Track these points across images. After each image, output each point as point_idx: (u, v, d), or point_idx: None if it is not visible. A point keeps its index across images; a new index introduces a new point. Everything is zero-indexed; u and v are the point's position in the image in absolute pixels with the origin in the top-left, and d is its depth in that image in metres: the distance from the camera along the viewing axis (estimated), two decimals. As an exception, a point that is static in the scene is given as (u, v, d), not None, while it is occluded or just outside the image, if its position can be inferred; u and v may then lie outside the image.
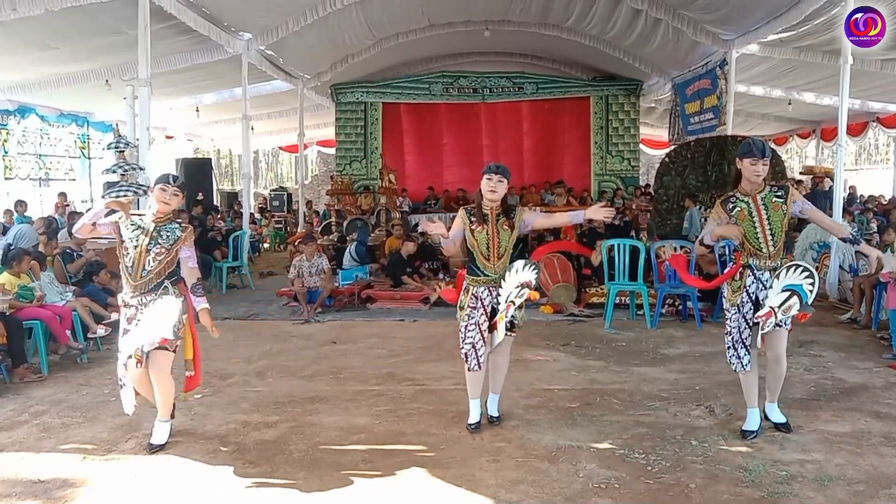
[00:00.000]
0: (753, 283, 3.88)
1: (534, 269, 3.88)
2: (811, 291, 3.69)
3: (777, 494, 3.28)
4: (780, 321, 3.73)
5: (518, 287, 3.84)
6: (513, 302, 3.86)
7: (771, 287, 3.79)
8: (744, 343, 3.91)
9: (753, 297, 3.88)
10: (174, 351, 3.84)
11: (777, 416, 4.09)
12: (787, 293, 3.68)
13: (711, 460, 3.68)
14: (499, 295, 3.93)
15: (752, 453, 3.75)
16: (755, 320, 3.79)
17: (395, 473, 3.60)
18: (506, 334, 4.02)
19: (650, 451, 3.80)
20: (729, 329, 3.96)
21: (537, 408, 4.55)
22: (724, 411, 4.40)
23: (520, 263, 3.90)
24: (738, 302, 3.90)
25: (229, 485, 3.49)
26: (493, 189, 4.01)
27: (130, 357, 3.74)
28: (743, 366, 3.92)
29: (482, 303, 4.01)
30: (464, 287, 4.12)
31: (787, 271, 3.73)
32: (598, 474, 3.52)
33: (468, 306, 4.03)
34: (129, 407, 3.94)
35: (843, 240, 4.15)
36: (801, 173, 15.83)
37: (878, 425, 4.17)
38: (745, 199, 3.89)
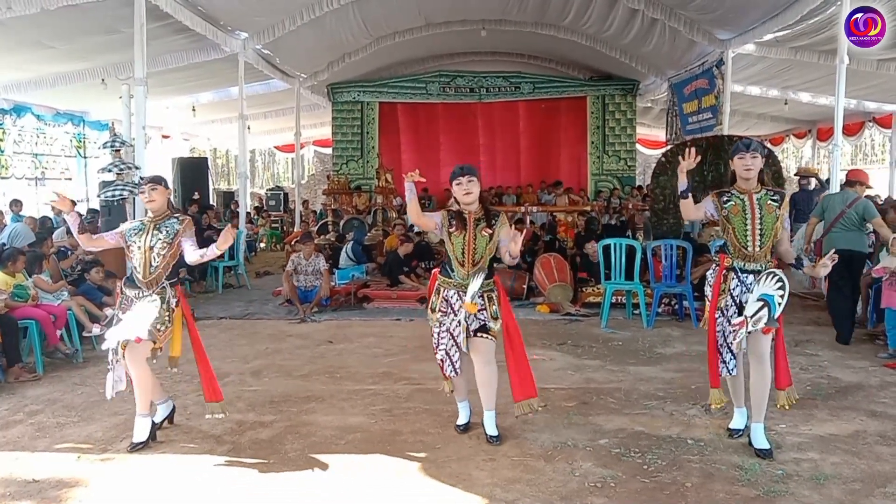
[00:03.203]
0: (738, 286, 3.81)
1: (484, 278, 3.85)
2: (780, 304, 3.61)
3: (773, 493, 3.28)
4: (750, 332, 3.67)
5: (471, 296, 3.79)
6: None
7: (752, 292, 3.72)
8: (729, 347, 3.83)
9: (737, 301, 3.79)
10: (153, 341, 3.85)
11: (760, 441, 3.74)
12: (761, 303, 3.62)
13: (707, 459, 3.68)
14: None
15: (748, 452, 3.75)
16: (731, 328, 3.73)
17: (390, 473, 3.60)
18: (479, 336, 3.91)
19: (646, 450, 3.80)
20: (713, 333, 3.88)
21: (534, 407, 4.54)
22: (719, 410, 4.39)
23: (480, 274, 3.85)
24: (723, 305, 3.83)
25: (225, 484, 3.48)
26: (467, 192, 3.91)
27: (114, 348, 3.83)
28: (729, 370, 3.85)
29: (452, 308, 3.94)
30: (435, 287, 4.06)
31: (766, 279, 3.67)
32: (594, 473, 3.52)
33: (439, 310, 3.98)
34: (109, 391, 3.94)
35: (789, 265, 4.00)
36: (795, 174, 15.88)
37: (874, 424, 4.18)
38: (741, 196, 3.86)
